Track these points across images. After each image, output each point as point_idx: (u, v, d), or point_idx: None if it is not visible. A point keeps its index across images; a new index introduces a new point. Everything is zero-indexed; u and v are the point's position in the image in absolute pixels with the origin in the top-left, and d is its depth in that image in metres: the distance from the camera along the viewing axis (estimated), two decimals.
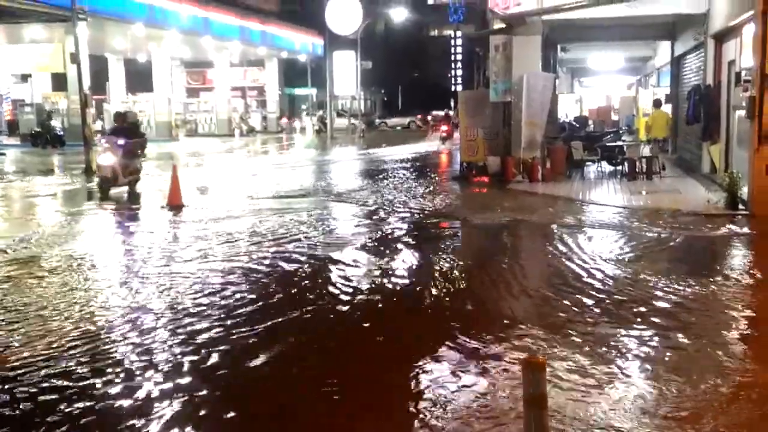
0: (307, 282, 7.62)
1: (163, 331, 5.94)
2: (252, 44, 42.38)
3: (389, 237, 10.15)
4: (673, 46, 22.22)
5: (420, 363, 5.14)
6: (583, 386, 4.66)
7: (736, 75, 13.77)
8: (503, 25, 17.81)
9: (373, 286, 7.45)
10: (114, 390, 4.77)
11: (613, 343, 5.49)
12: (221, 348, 5.53)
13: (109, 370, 5.13)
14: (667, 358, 5.17)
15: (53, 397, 4.65)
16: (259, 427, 4.32)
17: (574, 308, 6.43)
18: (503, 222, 11.36)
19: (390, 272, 8.05)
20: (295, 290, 7.29)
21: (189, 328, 6.00)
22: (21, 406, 4.54)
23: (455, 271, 8.17)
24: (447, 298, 7.00)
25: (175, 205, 13.06)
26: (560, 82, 29.50)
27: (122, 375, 5.03)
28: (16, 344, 5.67)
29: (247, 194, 15.23)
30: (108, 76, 41.17)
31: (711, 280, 7.37)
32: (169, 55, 39.97)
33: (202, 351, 5.46)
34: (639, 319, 6.07)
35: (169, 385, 4.84)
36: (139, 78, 41.95)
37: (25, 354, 5.42)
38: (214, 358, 5.34)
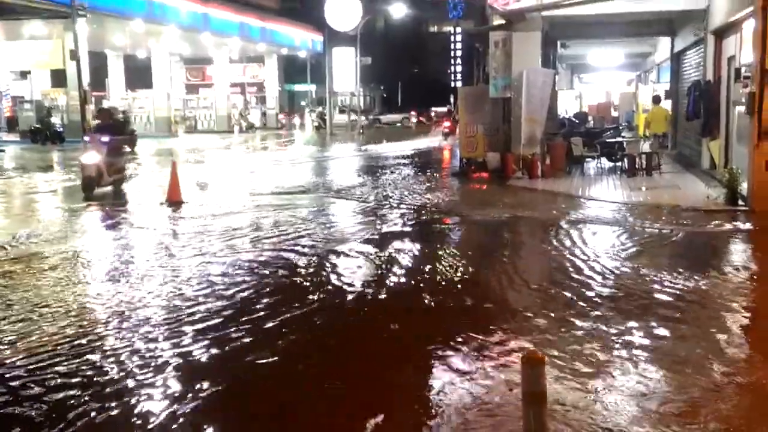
0: (306, 278, 7.61)
1: (161, 328, 5.94)
2: (251, 40, 42.36)
3: (389, 233, 10.14)
4: (672, 42, 22.19)
5: (421, 360, 5.15)
6: (583, 378, 4.67)
7: (736, 71, 13.75)
8: (503, 21, 17.79)
9: (373, 282, 7.45)
10: (115, 389, 4.78)
11: (613, 337, 5.50)
12: (220, 346, 5.53)
13: (109, 368, 5.13)
14: (665, 351, 5.18)
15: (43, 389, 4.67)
16: (258, 427, 4.29)
17: (574, 303, 6.43)
18: (503, 218, 11.35)
19: (390, 268, 8.05)
20: (295, 287, 7.28)
21: (188, 326, 6.00)
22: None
23: (455, 268, 8.16)
24: (447, 295, 7.00)
25: (174, 201, 13.05)
26: (560, 79, 29.47)
27: (123, 372, 5.03)
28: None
29: (247, 190, 15.22)
30: (107, 72, 41.15)
31: (711, 275, 7.37)
32: (169, 51, 39.94)
33: (201, 349, 5.46)
34: (639, 313, 6.07)
35: (167, 384, 4.84)
36: (139, 74, 41.93)
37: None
38: (213, 357, 5.33)
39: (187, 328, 5.90)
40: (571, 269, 7.76)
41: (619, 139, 19.17)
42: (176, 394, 4.62)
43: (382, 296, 6.95)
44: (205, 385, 4.75)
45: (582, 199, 13.20)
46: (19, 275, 7.86)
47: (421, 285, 7.34)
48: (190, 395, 4.60)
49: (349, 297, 6.90)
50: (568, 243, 9.17)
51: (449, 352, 5.27)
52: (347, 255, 8.76)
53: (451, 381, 4.76)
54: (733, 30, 14.00)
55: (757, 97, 11.18)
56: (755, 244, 9.27)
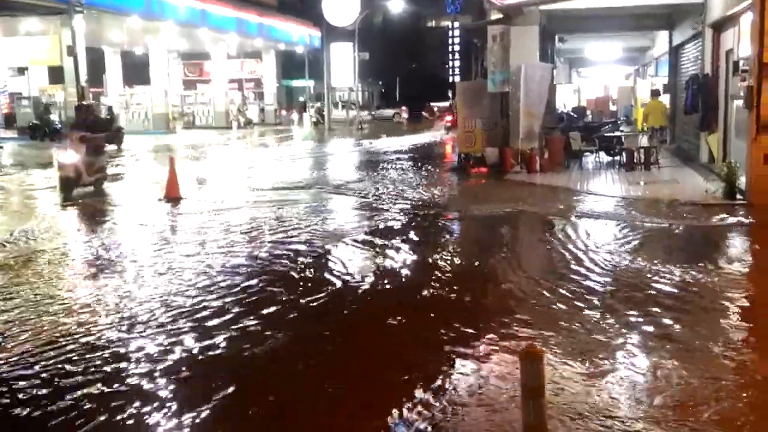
0: (306, 275, 7.61)
1: (158, 325, 5.94)
2: (249, 36, 42.29)
3: (387, 229, 10.14)
4: (671, 36, 22.19)
5: (422, 357, 5.15)
6: (583, 372, 4.68)
7: (734, 64, 13.75)
8: (501, 16, 17.79)
9: (372, 278, 7.45)
10: (111, 390, 4.78)
11: (614, 329, 5.51)
12: (219, 345, 5.53)
13: (103, 369, 5.13)
14: (663, 344, 5.19)
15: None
16: (258, 427, 4.27)
17: (574, 296, 6.44)
18: (502, 213, 11.35)
19: (389, 265, 8.06)
20: (295, 284, 7.28)
21: (186, 324, 6.00)
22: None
23: (455, 263, 8.17)
24: (447, 290, 6.99)
25: (173, 197, 13.04)
26: (558, 73, 29.47)
27: (123, 372, 5.04)
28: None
29: (245, 186, 15.21)
30: (105, 68, 41.08)
31: (709, 268, 7.38)
32: (166, 47, 39.86)
33: (199, 348, 5.46)
34: (639, 305, 6.08)
35: (166, 383, 4.84)
36: (136, 70, 41.87)
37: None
38: (213, 356, 5.33)
39: (185, 326, 5.90)
40: (571, 263, 7.76)
41: (617, 133, 19.18)
42: (175, 394, 4.61)
43: (382, 293, 6.95)
44: (204, 384, 4.74)
45: (580, 193, 13.20)
46: (21, 272, 7.85)
47: (421, 281, 7.33)
48: (189, 395, 4.59)
49: (349, 294, 6.89)
50: (567, 237, 9.18)
51: (450, 348, 5.27)
52: (346, 251, 8.76)
53: (453, 376, 4.77)
54: (731, 23, 13.99)
55: (755, 91, 11.17)
56: (754, 238, 9.27)
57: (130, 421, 4.23)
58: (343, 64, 46.39)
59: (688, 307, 6.13)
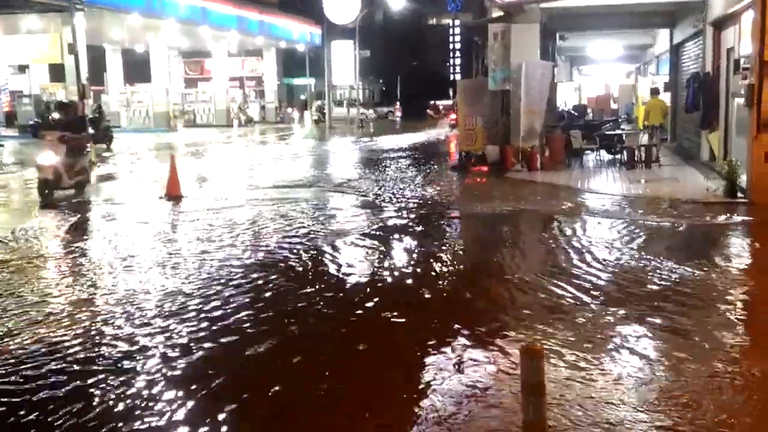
0: (306, 274, 7.62)
1: (157, 323, 5.95)
2: (250, 34, 42.25)
3: (387, 227, 10.14)
4: (672, 34, 22.16)
5: (422, 357, 5.15)
6: (585, 367, 4.69)
7: (735, 62, 13.74)
8: (501, 13, 17.76)
9: (372, 277, 7.46)
10: (109, 390, 4.79)
11: (616, 326, 5.51)
12: (219, 344, 5.53)
13: (101, 369, 5.14)
14: (664, 341, 5.19)
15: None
16: (258, 427, 4.26)
17: (574, 294, 6.44)
18: (502, 211, 11.35)
19: (390, 263, 8.06)
20: (296, 282, 7.29)
21: (185, 322, 6.01)
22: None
23: (456, 261, 8.18)
24: (448, 289, 7.00)
25: (173, 195, 13.04)
26: (559, 71, 29.42)
27: (121, 371, 5.04)
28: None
29: (246, 184, 15.21)
30: (106, 66, 41.06)
31: (710, 266, 7.38)
32: (167, 45, 39.85)
33: (199, 347, 5.47)
34: (640, 303, 6.09)
35: (165, 383, 4.84)
36: (137, 68, 41.86)
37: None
38: (212, 356, 5.33)
39: (185, 326, 5.91)
40: (571, 261, 7.76)
41: (618, 131, 19.16)
42: (174, 394, 4.60)
43: (382, 291, 6.95)
44: (203, 384, 4.74)
45: (581, 191, 13.20)
46: (23, 269, 7.86)
47: (422, 280, 7.34)
48: (188, 395, 4.58)
49: (349, 293, 6.90)
50: (568, 235, 9.18)
51: (451, 347, 5.28)
52: (345, 249, 8.77)
53: (453, 375, 4.77)
54: (732, 21, 13.97)
55: (756, 89, 11.16)
56: (754, 236, 9.27)
57: (128, 421, 4.24)
58: (344, 62, 46.33)
59: (689, 305, 6.13)
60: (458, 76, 67.04)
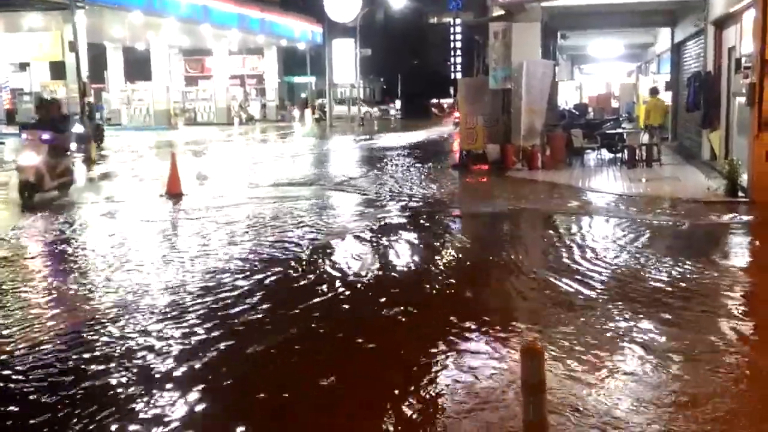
0: (307, 272, 7.61)
1: (158, 321, 5.95)
2: (251, 32, 42.24)
3: (387, 226, 10.13)
4: (673, 33, 22.14)
5: (422, 356, 5.15)
6: (587, 365, 4.68)
7: (737, 61, 13.72)
8: (502, 12, 17.76)
9: (371, 275, 7.45)
10: (109, 389, 4.79)
11: (616, 326, 5.51)
12: (219, 344, 5.53)
13: (101, 367, 5.14)
14: (665, 339, 5.19)
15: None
16: (259, 427, 4.24)
17: (575, 292, 6.44)
18: (503, 210, 11.35)
19: (391, 262, 8.06)
20: (296, 281, 7.28)
21: (186, 321, 6.01)
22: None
23: (457, 260, 8.17)
24: (449, 288, 7.00)
25: (174, 193, 13.04)
26: (560, 69, 29.37)
27: (120, 371, 5.04)
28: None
29: (247, 183, 15.21)
30: (106, 64, 41.06)
31: (711, 265, 7.37)
32: (168, 43, 39.86)
33: (199, 347, 5.46)
34: (641, 302, 6.08)
35: (162, 382, 4.84)
36: (138, 66, 41.86)
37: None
38: (212, 355, 5.32)
39: (183, 323, 5.90)
40: (572, 260, 7.75)
41: (619, 130, 19.15)
42: (174, 394, 4.59)
43: (382, 290, 6.93)
44: (202, 382, 4.74)
45: (582, 190, 13.19)
46: (27, 266, 7.87)
47: (422, 278, 7.33)
48: (187, 394, 4.57)
49: (349, 291, 6.88)
50: (569, 234, 9.17)
51: (451, 346, 5.27)
52: (345, 248, 8.77)
53: (454, 374, 4.77)
54: (734, 20, 13.96)
55: (757, 88, 11.15)
56: (755, 235, 9.26)
57: (128, 422, 4.23)
58: (345, 61, 46.34)
59: (690, 303, 6.12)
60: (459, 75, 67.11)
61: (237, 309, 6.23)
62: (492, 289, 6.90)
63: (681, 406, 4.19)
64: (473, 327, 5.61)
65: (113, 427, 4.12)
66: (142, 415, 4.25)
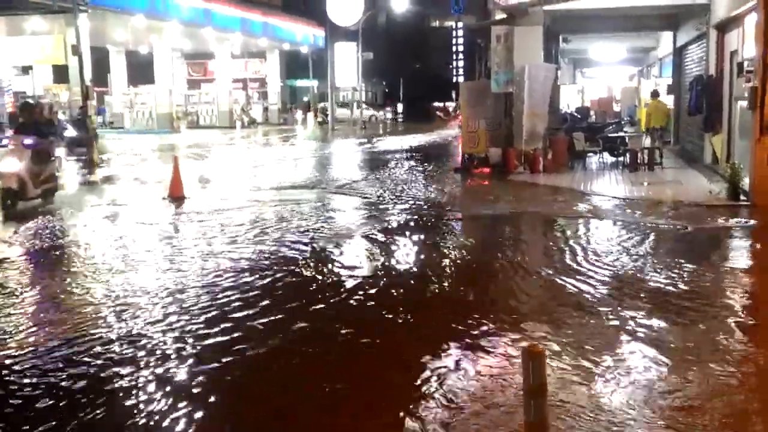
0: (309, 275, 7.63)
1: (161, 323, 5.96)
2: (253, 36, 42.28)
3: (389, 229, 10.14)
4: (675, 37, 22.16)
5: (424, 357, 5.16)
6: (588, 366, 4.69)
7: (739, 65, 13.73)
8: (504, 16, 17.78)
9: (374, 277, 7.46)
10: (108, 389, 4.80)
11: (617, 328, 5.52)
12: (219, 343, 5.54)
13: (104, 368, 5.15)
14: (666, 342, 5.19)
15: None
16: (260, 427, 4.26)
17: (576, 294, 6.44)
18: (505, 213, 11.35)
19: (393, 264, 8.07)
20: (298, 284, 7.30)
21: (187, 323, 6.02)
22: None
23: (456, 263, 8.18)
24: (451, 290, 7.02)
25: (176, 196, 13.06)
26: (562, 73, 29.42)
27: (121, 370, 5.05)
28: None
29: (249, 186, 15.22)
30: (109, 68, 41.11)
31: (713, 269, 7.38)
32: (170, 46, 39.89)
33: (200, 347, 5.48)
34: (642, 305, 6.09)
35: (163, 382, 4.85)
36: (141, 70, 41.89)
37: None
38: (212, 355, 5.34)
39: (186, 325, 5.92)
40: (573, 263, 7.76)
41: (621, 134, 19.16)
42: (175, 394, 4.60)
43: (384, 292, 6.95)
44: (205, 384, 4.75)
45: (584, 194, 13.19)
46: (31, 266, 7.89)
47: (424, 280, 7.34)
48: (189, 395, 4.59)
49: (351, 293, 6.89)
50: (570, 238, 9.18)
51: (453, 347, 5.28)
52: (347, 251, 8.78)
53: (455, 375, 4.78)
54: (736, 24, 13.96)
55: (759, 92, 11.16)
56: (757, 238, 9.26)
57: (128, 421, 4.24)
58: (347, 64, 46.34)
59: (692, 307, 6.13)
60: (461, 79, 67.04)
61: (238, 310, 6.24)
62: (494, 290, 6.90)
63: (683, 406, 4.20)
64: (476, 328, 5.62)
65: (114, 428, 4.14)
66: (143, 415, 4.26)
